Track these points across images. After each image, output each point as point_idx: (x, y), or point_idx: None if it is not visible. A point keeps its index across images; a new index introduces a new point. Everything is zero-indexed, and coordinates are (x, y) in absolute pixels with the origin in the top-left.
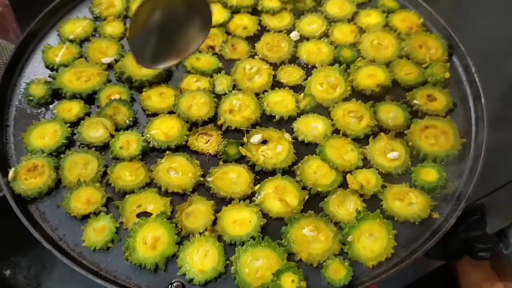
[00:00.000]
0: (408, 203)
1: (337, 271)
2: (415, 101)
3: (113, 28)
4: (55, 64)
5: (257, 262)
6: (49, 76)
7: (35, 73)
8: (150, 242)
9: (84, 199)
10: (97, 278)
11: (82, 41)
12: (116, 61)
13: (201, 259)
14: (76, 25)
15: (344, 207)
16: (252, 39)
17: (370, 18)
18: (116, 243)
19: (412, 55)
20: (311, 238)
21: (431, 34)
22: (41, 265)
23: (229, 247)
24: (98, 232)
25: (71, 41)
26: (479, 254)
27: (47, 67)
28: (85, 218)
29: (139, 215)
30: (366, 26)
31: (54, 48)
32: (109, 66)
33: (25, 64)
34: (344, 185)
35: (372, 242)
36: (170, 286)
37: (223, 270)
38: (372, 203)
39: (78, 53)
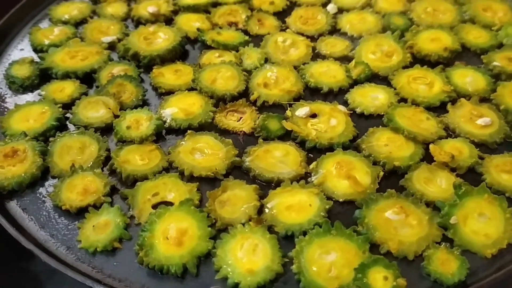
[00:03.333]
0: None
1: (446, 263)
2: (495, 63)
3: (115, 8)
4: (44, 46)
5: (329, 257)
6: (38, 57)
7: (19, 57)
8: (174, 236)
9: (80, 188)
10: (99, 285)
11: (78, 24)
12: (119, 40)
13: (248, 255)
14: (70, 8)
15: (434, 183)
16: (281, 14)
17: None
18: (126, 243)
19: (477, 19)
20: (398, 222)
21: None
22: None
23: (284, 241)
24: (99, 229)
25: (65, 23)
26: None
27: (35, 50)
28: (81, 212)
29: (156, 207)
30: None
31: (44, 30)
32: (111, 47)
33: (7, 48)
34: (427, 159)
35: (485, 224)
36: None
37: (280, 270)
38: (470, 178)
39: (72, 33)
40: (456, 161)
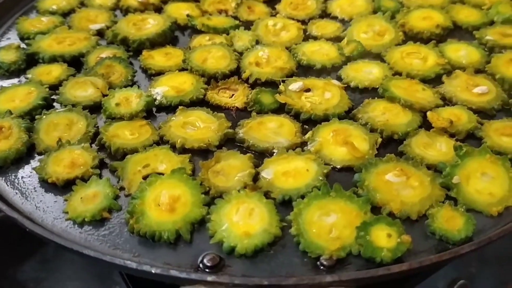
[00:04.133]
0: None
1: (451, 220)
2: (488, 37)
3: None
4: (31, 34)
5: (329, 219)
6: (25, 44)
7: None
8: (166, 202)
9: (67, 162)
10: (89, 250)
11: (65, 14)
12: (108, 27)
13: (243, 219)
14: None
15: (434, 148)
16: (271, 2)
17: None
18: (115, 214)
19: (467, 0)
20: (399, 184)
21: None
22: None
23: (282, 207)
24: (88, 200)
25: (52, 13)
26: None
27: (21, 38)
28: (68, 185)
29: (146, 178)
30: None
31: (31, 20)
32: (99, 34)
33: None
34: (425, 126)
35: (488, 184)
36: (200, 262)
37: (279, 233)
38: (470, 143)
39: (60, 22)
40: (455, 126)
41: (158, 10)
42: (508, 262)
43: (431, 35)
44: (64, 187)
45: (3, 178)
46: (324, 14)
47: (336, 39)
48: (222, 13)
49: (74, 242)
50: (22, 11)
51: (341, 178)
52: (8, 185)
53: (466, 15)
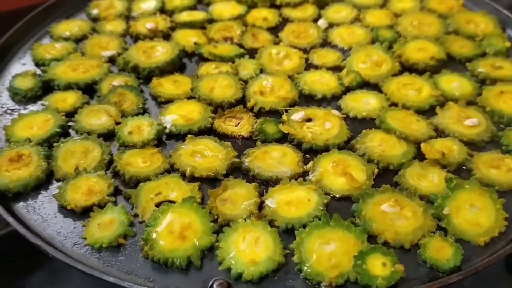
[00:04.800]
0: (507, 169)
1: (441, 250)
2: (479, 69)
3: (114, 26)
4: (46, 60)
5: (328, 247)
6: (40, 70)
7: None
8: (177, 230)
9: (84, 189)
10: (108, 276)
11: (78, 40)
12: (119, 54)
13: (250, 247)
14: (70, 25)
15: (427, 179)
16: (274, 30)
17: (404, 3)
18: (130, 240)
19: (460, 30)
20: (393, 215)
21: (476, 12)
22: None
23: (285, 235)
24: (104, 227)
25: (66, 39)
26: None
27: (37, 64)
28: (86, 212)
29: (159, 205)
30: (401, 10)
31: (45, 45)
32: (111, 61)
33: (9, 64)
34: (419, 157)
35: (476, 215)
36: (210, 287)
37: (282, 260)
38: (460, 174)
39: (73, 49)
40: (447, 158)
41: (167, 36)
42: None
43: (426, 66)
44: (82, 214)
45: (25, 205)
46: (325, 43)
47: (336, 68)
48: (228, 40)
49: (93, 268)
50: (36, 37)
51: (340, 207)
52: (29, 211)
53: (460, 46)
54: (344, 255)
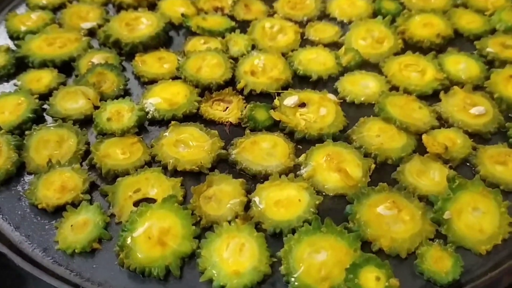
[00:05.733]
0: None
1: (440, 261)
2: (488, 49)
3: None
4: (21, 33)
5: (319, 256)
6: (14, 45)
7: None
8: (156, 236)
9: (57, 185)
10: None
11: (56, 9)
12: (100, 26)
13: (234, 256)
14: None
15: (427, 176)
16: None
17: None
18: (105, 243)
19: (470, 3)
20: (390, 218)
21: None
22: None
23: (273, 239)
24: (78, 229)
25: (42, 8)
26: None
27: (11, 37)
28: (59, 211)
29: (137, 204)
30: None
31: (20, 16)
32: (91, 33)
33: None
34: (420, 150)
35: (479, 219)
36: None
37: (268, 271)
38: (464, 170)
39: (50, 19)
40: (450, 152)
41: (153, 6)
42: None
43: (431, 45)
44: (54, 213)
45: None
46: (323, 15)
47: (334, 45)
48: (218, 11)
49: (63, 280)
50: (11, 6)
51: (334, 207)
52: None
53: (468, 21)
54: (335, 265)
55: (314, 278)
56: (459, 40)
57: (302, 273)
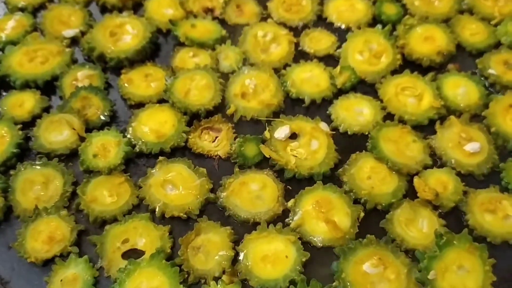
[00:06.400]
0: (503, 215)
1: None
2: (490, 71)
3: None
4: (1, 42)
5: None
6: None
7: None
8: None
9: (45, 236)
10: None
11: (36, 10)
12: (83, 33)
13: None
14: None
15: (415, 226)
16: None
17: None
18: None
19: (476, 9)
20: (375, 277)
21: None
22: None
23: None
24: (68, 284)
25: (21, 10)
26: None
27: None
28: (48, 263)
29: (125, 255)
30: None
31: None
32: (74, 41)
33: None
34: (410, 193)
35: (463, 278)
36: None
37: None
38: (453, 218)
39: (31, 25)
40: (440, 199)
41: (138, 5)
42: None
43: (431, 63)
44: (43, 266)
45: None
46: (320, 19)
47: (330, 58)
48: (208, 13)
49: None
50: None
51: (321, 260)
52: None
53: (473, 32)
54: None
55: None
56: (461, 55)
57: None
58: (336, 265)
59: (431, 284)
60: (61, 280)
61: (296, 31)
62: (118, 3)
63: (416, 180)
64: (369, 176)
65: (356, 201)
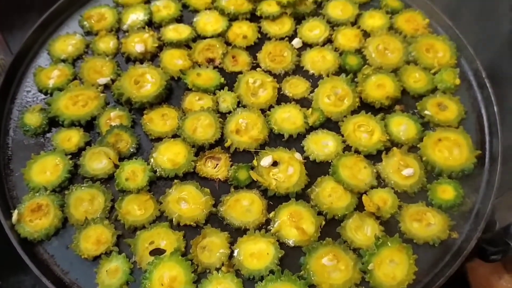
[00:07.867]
0: (426, 224)
1: None
2: (426, 112)
3: (106, 44)
4: (49, 88)
5: None
6: (45, 103)
7: (28, 98)
8: (167, 283)
9: (93, 239)
10: None
11: (74, 60)
12: (113, 81)
13: None
14: (66, 42)
15: (362, 231)
16: (253, 49)
17: (374, 20)
18: (132, 284)
19: (419, 60)
20: (331, 268)
21: (438, 36)
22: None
23: (248, 282)
24: (111, 274)
25: (63, 61)
26: (491, 258)
27: (40, 91)
28: (96, 259)
29: (152, 252)
30: (371, 29)
31: (46, 70)
32: (106, 87)
33: (17, 90)
34: (360, 207)
35: (394, 269)
36: None
37: None
38: (390, 225)
39: (71, 74)
40: (381, 211)
41: (155, 56)
42: None
43: (382, 105)
44: (93, 261)
45: (47, 254)
46: (297, 67)
47: (305, 100)
48: (210, 63)
49: None
50: (36, 59)
51: (294, 256)
52: (50, 261)
53: (415, 80)
54: None
55: None
56: (405, 98)
57: None
58: (303, 259)
59: (370, 273)
60: (106, 271)
61: (279, 78)
62: (139, 55)
63: (364, 197)
64: (330, 194)
65: (319, 213)
